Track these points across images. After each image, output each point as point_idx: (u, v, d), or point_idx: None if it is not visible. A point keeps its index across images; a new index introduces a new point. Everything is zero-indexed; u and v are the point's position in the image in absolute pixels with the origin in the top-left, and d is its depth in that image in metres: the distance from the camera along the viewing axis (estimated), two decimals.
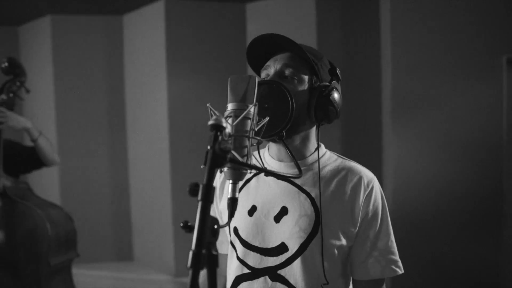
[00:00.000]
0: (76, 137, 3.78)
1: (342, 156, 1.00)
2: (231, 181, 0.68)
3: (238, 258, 0.94)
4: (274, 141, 0.88)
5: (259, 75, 0.95)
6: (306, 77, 0.91)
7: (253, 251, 0.92)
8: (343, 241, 0.90)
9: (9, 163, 2.03)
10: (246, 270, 0.93)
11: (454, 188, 2.66)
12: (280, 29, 3.10)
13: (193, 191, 0.56)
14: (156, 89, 3.48)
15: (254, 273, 0.92)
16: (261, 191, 0.95)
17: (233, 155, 0.60)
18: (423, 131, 2.71)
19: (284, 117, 0.83)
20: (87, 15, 3.75)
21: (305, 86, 0.90)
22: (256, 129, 0.70)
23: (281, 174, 0.83)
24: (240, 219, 0.95)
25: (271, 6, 3.27)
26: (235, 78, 0.72)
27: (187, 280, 0.52)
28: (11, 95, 2.00)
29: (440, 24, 2.66)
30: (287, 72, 0.89)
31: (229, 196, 0.68)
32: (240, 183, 0.96)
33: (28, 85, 3.86)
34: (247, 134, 0.67)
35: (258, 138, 0.69)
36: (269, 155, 0.98)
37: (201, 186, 0.56)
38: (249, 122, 0.69)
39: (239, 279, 0.94)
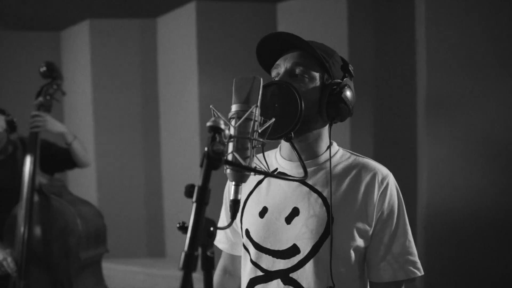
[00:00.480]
0: (112, 137, 3.92)
1: (355, 153, 0.97)
2: (233, 183, 0.68)
3: (251, 260, 0.94)
4: (287, 140, 0.87)
5: (269, 74, 0.94)
6: (317, 75, 0.89)
7: (265, 253, 0.91)
8: (359, 242, 0.87)
9: (45, 163, 2.14)
10: (260, 273, 0.92)
11: (492, 193, 2.51)
12: (311, 28, 3.08)
13: (189, 192, 0.56)
14: (188, 89, 3.54)
15: (267, 276, 0.91)
16: (272, 192, 0.94)
17: (228, 157, 0.59)
18: (460, 133, 2.59)
19: (293, 118, 0.81)
20: (123, 19, 3.88)
21: (316, 84, 0.88)
22: (260, 131, 0.69)
23: (284, 178, 0.81)
24: (252, 221, 0.95)
25: (302, 5, 3.24)
26: (239, 79, 0.72)
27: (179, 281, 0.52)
28: (48, 97, 2.10)
29: (478, 21, 2.52)
30: (297, 70, 0.87)
31: (231, 198, 0.68)
32: (252, 185, 0.96)
33: (69, 87, 4.03)
34: (249, 135, 0.67)
35: (261, 139, 0.68)
36: (280, 155, 0.97)
37: (196, 188, 0.56)
38: (251, 123, 0.68)
39: (253, 282, 0.93)
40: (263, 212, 0.94)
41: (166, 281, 3.53)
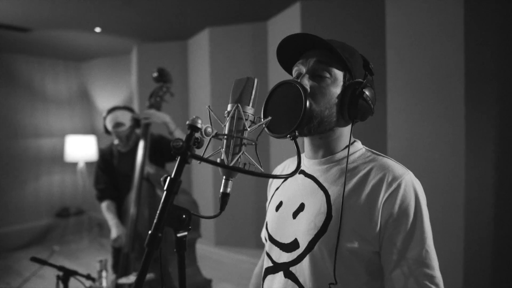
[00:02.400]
0: None
1: (378, 153, 0.91)
2: (224, 177, 0.73)
3: (266, 251, 0.98)
4: (292, 139, 0.85)
5: (290, 73, 0.95)
6: (339, 74, 0.87)
7: (275, 245, 0.94)
8: (356, 244, 0.81)
9: (156, 155, 2.48)
10: (270, 264, 0.95)
11: None
12: (423, 24, 2.83)
13: (163, 182, 0.64)
14: None
15: (275, 267, 0.93)
16: (290, 188, 0.97)
17: (194, 151, 0.65)
18: None
19: (298, 117, 0.81)
20: (236, 24, 4.16)
21: (339, 83, 0.87)
22: (248, 129, 0.72)
23: (257, 174, 0.71)
24: (270, 214, 0.99)
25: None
26: (237, 80, 0.76)
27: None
28: (158, 99, 2.43)
29: None
30: (320, 69, 0.87)
31: (221, 191, 0.73)
32: (280, 182, 0.99)
33: (192, 89, 4.52)
34: (232, 133, 0.71)
35: (245, 137, 0.71)
36: (304, 153, 0.98)
37: (168, 179, 0.64)
38: (242, 122, 0.72)
39: (266, 271, 0.97)
40: (278, 206, 0.97)
41: None
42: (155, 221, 0.62)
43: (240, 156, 0.71)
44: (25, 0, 3.35)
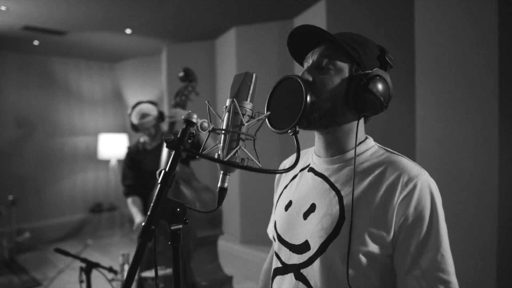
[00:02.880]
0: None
1: (392, 151, 0.87)
2: (221, 172, 0.73)
3: (275, 251, 0.96)
4: (292, 134, 0.82)
5: (303, 66, 0.93)
6: (345, 66, 0.84)
7: (284, 246, 0.91)
8: (372, 247, 0.78)
9: None
10: (279, 264, 0.93)
11: None
12: (454, 19, 2.72)
13: (158, 175, 0.65)
14: None
15: (284, 268, 0.91)
16: (299, 187, 0.94)
17: (189, 146, 0.65)
18: None
19: (298, 112, 0.79)
20: (263, 23, 4.16)
21: (344, 75, 0.83)
22: (246, 123, 0.71)
23: (256, 170, 0.71)
24: (279, 213, 0.97)
25: None
26: (236, 76, 0.76)
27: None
28: (183, 98, 2.47)
29: None
30: (324, 62, 0.84)
31: (218, 185, 0.74)
32: (288, 180, 0.97)
33: (219, 88, 4.55)
34: (229, 128, 0.70)
35: (242, 132, 0.71)
36: (314, 150, 0.96)
37: (162, 172, 0.65)
38: (239, 117, 0.71)
39: (275, 272, 0.95)
40: (288, 206, 0.94)
41: None
42: (148, 213, 0.63)
43: (237, 151, 0.71)
44: (60, 4, 3.50)
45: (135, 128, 2.62)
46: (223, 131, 0.71)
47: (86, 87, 5.99)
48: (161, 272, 2.17)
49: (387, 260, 0.80)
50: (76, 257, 1.66)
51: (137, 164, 2.64)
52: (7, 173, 5.19)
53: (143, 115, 2.55)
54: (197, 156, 0.66)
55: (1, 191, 4.98)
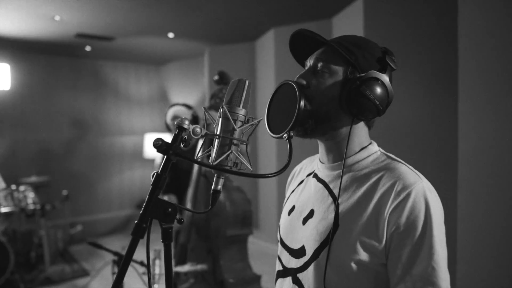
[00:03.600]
0: None
1: (394, 158, 0.85)
2: (215, 174, 0.77)
3: (278, 254, 0.98)
4: (287, 139, 0.82)
5: None
6: (339, 69, 0.82)
7: (285, 249, 0.93)
8: (363, 256, 0.77)
9: None
10: (280, 267, 0.95)
11: None
12: (500, 18, 2.56)
13: (151, 177, 0.70)
14: None
15: (284, 272, 0.92)
16: (303, 193, 0.95)
17: (181, 150, 0.69)
18: None
19: (292, 117, 0.79)
20: (301, 23, 4.15)
21: (338, 78, 0.82)
22: (237, 129, 0.74)
23: (236, 173, 0.74)
24: (283, 217, 0.99)
25: None
26: (231, 82, 0.78)
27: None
28: (217, 100, 2.54)
29: None
30: (318, 66, 0.84)
31: (212, 188, 0.77)
32: (295, 185, 0.99)
33: (259, 89, 4.59)
34: (220, 134, 0.74)
35: (233, 137, 0.73)
36: (318, 157, 0.96)
37: (155, 175, 0.69)
38: (231, 123, 0.74)
39: (277, 274, 0.97)
40: (291, 211, 0.95)
41: None
42: (140, 212, 0.68)
43: (228, 155, 0.74)
44: (108, 13, 3.73)
45: (168, 128, 2.74)
46: (216, 137, 0.74)
47: (134, 89, 6.31)
48: (191, 268, 2.26)
49: (380, 268, 0.78)
50: (108, 250, 1.77)
51: (174, 164, 2.75)
52: (62, 170, 5.60)
53: (175, 117, 2.66)
54: (188, 160, 0.70)
55: (57, 187, 5.38)
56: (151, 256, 2.00)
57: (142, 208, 0.68)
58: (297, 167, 1.11)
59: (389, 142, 3.19)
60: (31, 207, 4.33)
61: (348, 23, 3.61)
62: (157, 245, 3.82)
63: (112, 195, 5.94)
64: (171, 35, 4.58)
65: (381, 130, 3.23)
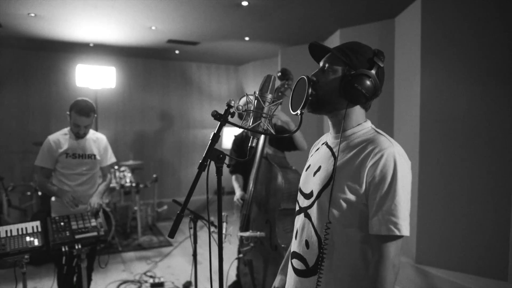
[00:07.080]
0: None
1: (380, 132, 1.18)
2: (251, 136, 1.20)
3: (297, 199, 1.37)
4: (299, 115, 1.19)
5: None
6: (339, 68, 1.16)
7: (301, 194, 1.31)
8: (349, 196, 1.09)
9: (276, 141, 3.03)
10: (298, 207, 1.32)
11: None
12: None
13: (211, 137, 1.15)
14: (411, 83, 3.69)
15: (300, 210, 1.29)
16: (317, 155, 1.33)
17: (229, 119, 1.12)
18: None
19: (303, 100, 1.17)
20: (366, 24, 4.37)
21: (337, 75, 1.17)
22: (265, 107, 1.16)
23: (256, 131, 1.15)
24: (303, 173, 1.38)
25: None
26: (264, 77, 1.20)
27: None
28: (279, 93, 2.95)
29: None
30: (325, 67, 1.20)
31: (249, 145, 1.20)
32: (314, 150, 1.37)
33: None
34: (252, 110, 1.16)
35: (262, 112, 1.15)
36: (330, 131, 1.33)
37: (212, 133, 1.14)
38: (261, 103, 1.16)
39: (296, 213, 1.34)
40: (308, 168, 1.32)
41: None
42: (204, 155, 1.13)
43: (260, 123, 1.16)
44: (194, 22, 4.35)
45: (240, 115, 3.21)
46: (251, 111, 1.17)
47: (215, 87, 7.00)
48: (252, 234, 2.72)
49: (363, 207, 1.09)
50: (188, 209, 2.30)
51: (241, 148, 3.24)
52: (152, 156, 6.48)
53: (245, 104, 3.14)
54: (239, 127, 1.14)
55: (148, 170, 6.25)
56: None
57: (205, 152, 1.13)
58: (317, 141, 1.48)
59: (446, 136, 3.30)
60: (129, 184, 5.18)
61: (409, 22, 3.75)
62: (236, 224, 4.32)
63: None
64: (247, 38, 5.10)
65: (438, 125, 3.37)
